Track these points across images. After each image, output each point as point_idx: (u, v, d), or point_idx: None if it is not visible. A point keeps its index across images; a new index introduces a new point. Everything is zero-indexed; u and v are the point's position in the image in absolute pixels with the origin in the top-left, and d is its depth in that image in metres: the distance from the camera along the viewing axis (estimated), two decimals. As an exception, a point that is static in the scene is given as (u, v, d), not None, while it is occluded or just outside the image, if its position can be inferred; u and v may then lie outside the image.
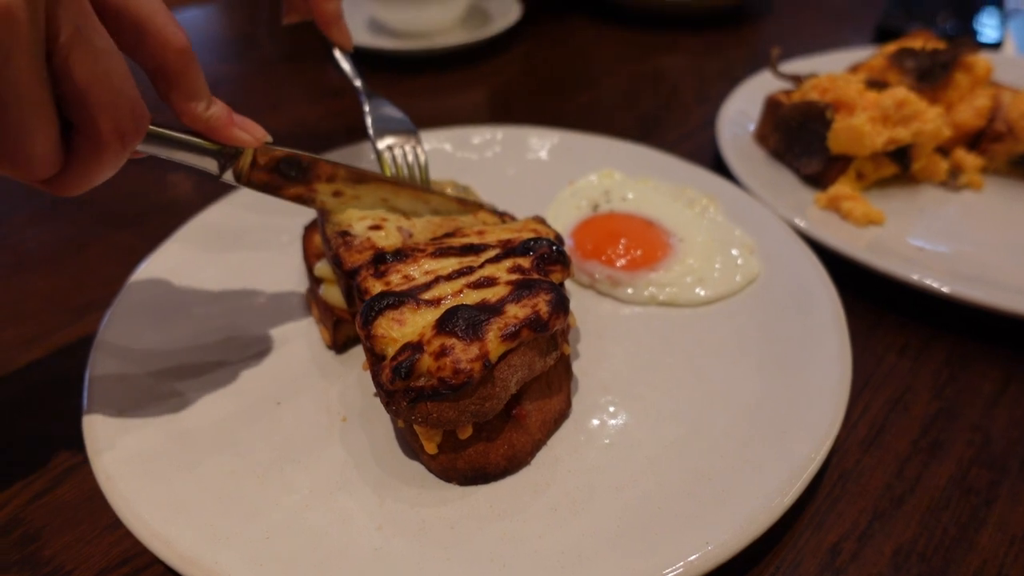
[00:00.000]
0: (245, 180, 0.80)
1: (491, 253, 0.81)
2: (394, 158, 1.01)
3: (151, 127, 0.67)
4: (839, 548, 0.72)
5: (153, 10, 0.63)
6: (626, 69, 1.84)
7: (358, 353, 0.90)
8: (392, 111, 1.07)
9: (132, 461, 0.74)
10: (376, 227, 0.87)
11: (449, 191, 1.01)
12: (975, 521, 0.74)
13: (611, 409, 0.82)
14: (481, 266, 0.79)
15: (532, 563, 0.65)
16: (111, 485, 0.71)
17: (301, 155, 0.83)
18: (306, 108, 1.67)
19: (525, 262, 0.79)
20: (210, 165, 0.76)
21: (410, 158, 1.01)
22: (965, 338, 0.97)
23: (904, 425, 0.85)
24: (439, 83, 1.78)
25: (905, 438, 0.83)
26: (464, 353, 0.67)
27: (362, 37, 1.89)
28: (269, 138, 0.78)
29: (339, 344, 0.90)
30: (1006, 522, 0.74)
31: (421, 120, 1.41)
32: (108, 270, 1.08)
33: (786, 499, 0.68)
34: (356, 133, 1.35)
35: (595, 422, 0.81)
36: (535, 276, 0.77)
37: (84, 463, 0.75)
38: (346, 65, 1.10)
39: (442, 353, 0.67)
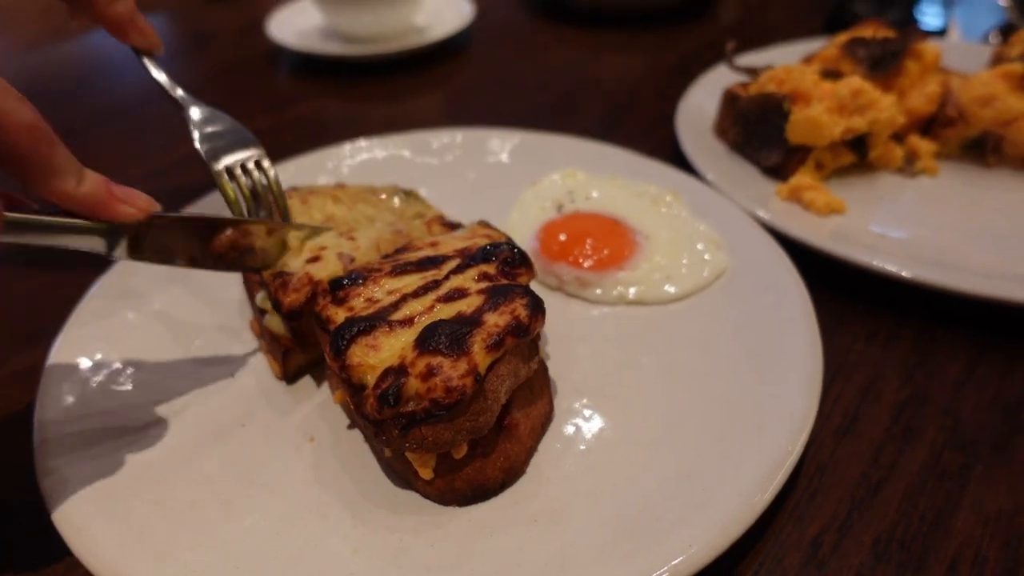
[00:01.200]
0: (139, 253, 0.72)
1: (452, 264, 0.79)
2: (236, 180, 0.87)
3: (10, 215, 0.60)
4: (820, 540, 0.72)
5: None
6: (583, 67, 1.84)
7: (308, 382, 0.87)
8: (225, 122, 0.91)
9: (88, 495, 0.70)
10: (314, 259, 0.82)
11: (384, 196, 0.97)
12: (951, 505, 0.75)
13: (586, 413, 0.81)
14: (446, 278, 0.76)
15: (514, 578, 0.64)
16: (67, 522, 0.67)
17: (196, 216, 0.77)
18: (259, 119, 1.63)
19: (490, 269, 0.77)
20: (96, 245, 0.68)
21: (255, 175, 0.87)
22: (930, 323, 0.98)
23: (876, 412, 0.86)
24: (394, 87, 1.76)
25: (878, 425, 0.84)
26: (453, 370, 0.64)
27: (313, 43, 1.85)
28: (157, 207, 0.71)
29: (289, 375, 0.86)
30: (980, 504, 0.75)
31: (378, 126, 1.39)
32: (60, 296, 1.03)
33: (766, 495, 0.68)
34: (315, 142, 1.32)
35: (571, 428, 0.79)
36: (504, 282, 0.75)
37: (37, 498, 0.71)
38: (158, 73, 0.91)
39: (430, 373, 0.64)
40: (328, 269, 0.81)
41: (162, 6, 2.33)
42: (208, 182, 0.90)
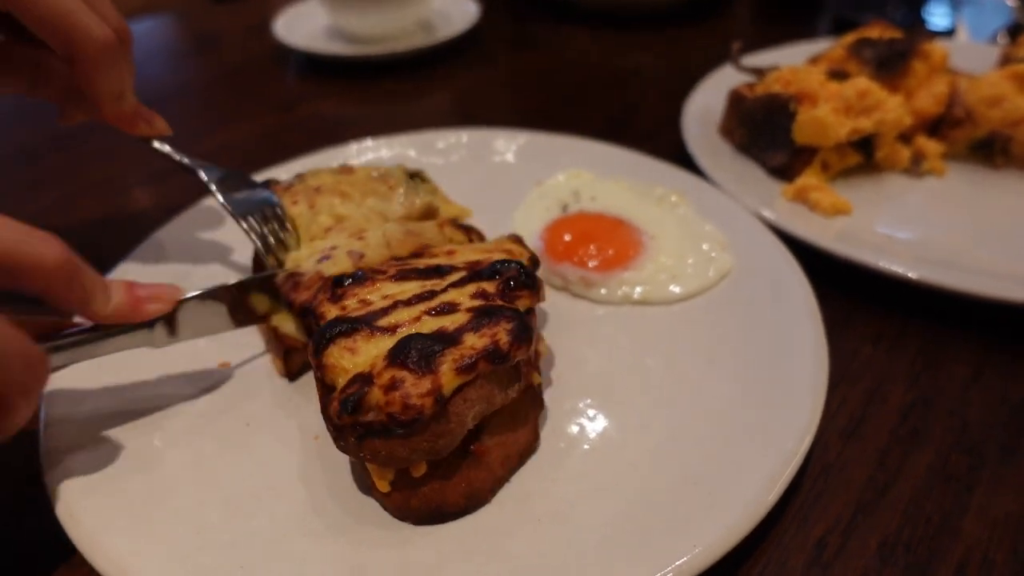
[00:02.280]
0: (177, 337, 0.78)
1: (456, 276, 0.76)
2: (254, 219, 0.91)
3: (59, 342, 0.68)
4: (825, 542, 0.72)
5: None
6: (589, 67, 1.84)
7: (309, 380, 0.86)
8: (245, 185, 0.95)
9: (95, 494, 0.71)
10: (325, 258, 0.83)
11: (392, 182, 0.96)
12: (957, 508, 0.74)
13: (590, 413, 0.81)
14: (443, 291, 0.74)
15: (517, 577, 0.64)
16: (73, 521, 0.68)
17: (220, 287, 0.80)
18: (266, 119, 1.63)
19: (490, 287, 0.74)
20: (141, 341, 0.74)
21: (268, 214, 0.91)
22: (937, 325, 0.97)
23: (882, 415, 0.85)
24: (400, 88, 1.76)
25: (884, 428, 0.83)
26: (415, 387, 0.63)
27: (319, 43, 1.85)
28: (181, 293, 0.76)
29: (292, 373, 0.86)
30: (987, 507, 0.74)
31: (384, 126, 1.39)
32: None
33: (771, 496, 0.68)
34: (322, 142, 1.32)
35: (574, 428, 0.79)
36: (499, 303, 0.72)
37: (43, 500, 0.71)
38: (169, 150, 0.93)
39: (392, 387, 0.63)
40: (338, 266, 0.82)
41: (168, 7, 2.34)
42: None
